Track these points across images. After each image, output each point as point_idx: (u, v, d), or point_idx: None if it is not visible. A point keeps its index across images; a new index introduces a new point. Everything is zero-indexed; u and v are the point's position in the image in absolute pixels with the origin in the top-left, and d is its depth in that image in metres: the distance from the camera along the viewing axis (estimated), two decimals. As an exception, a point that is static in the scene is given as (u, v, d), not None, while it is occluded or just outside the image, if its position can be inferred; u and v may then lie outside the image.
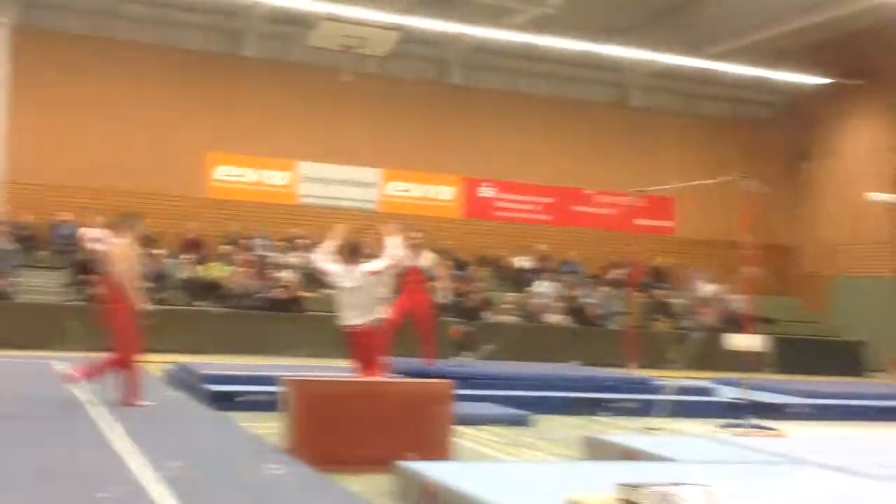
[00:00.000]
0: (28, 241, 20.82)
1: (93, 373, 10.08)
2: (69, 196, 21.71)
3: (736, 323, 22.21)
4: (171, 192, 22.81)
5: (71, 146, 22.13)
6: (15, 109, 21.68)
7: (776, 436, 10.44)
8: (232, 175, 23.59)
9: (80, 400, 9.91)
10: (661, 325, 22.87)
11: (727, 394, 13.72)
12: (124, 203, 22.05)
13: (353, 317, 10.12)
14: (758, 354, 12.89)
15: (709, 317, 22.51)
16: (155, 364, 13.58)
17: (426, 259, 13.90)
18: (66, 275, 20.28)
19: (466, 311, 21.74)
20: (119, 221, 10.42)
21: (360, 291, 10.11)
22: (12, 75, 21.70)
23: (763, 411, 12.40)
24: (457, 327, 20.59)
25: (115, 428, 8.15)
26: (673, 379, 12.62)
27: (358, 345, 10.21)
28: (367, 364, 10.17)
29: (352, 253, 10.23)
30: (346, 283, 10.14)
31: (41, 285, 20.14)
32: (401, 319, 13.47)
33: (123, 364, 9.87)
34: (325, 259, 10.38)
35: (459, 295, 22.33)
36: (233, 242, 22.02)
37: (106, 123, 22.42)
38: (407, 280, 13.59)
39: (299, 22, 22.62)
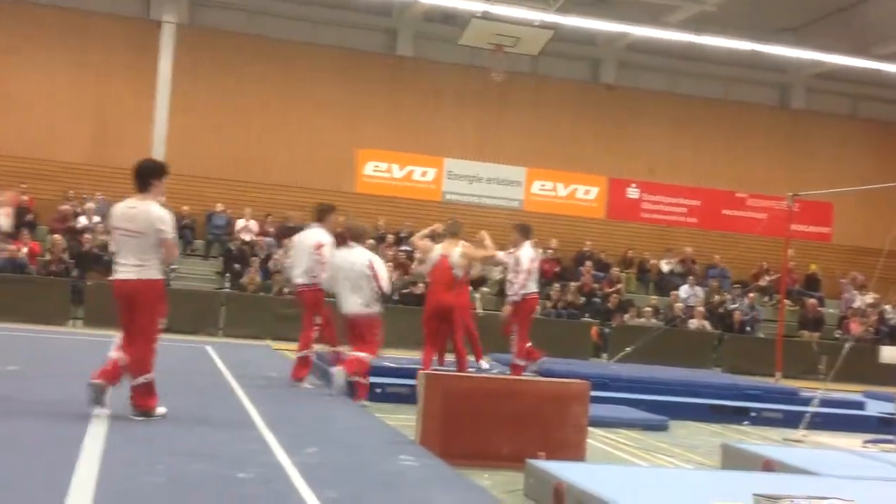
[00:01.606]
0: (184, 231, 21.69)
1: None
2: (223, 188, 22.54)
3: (891, 335, 21.35)
4: (320, 186, 23.38)
5: (226, 140, 22.99)
6: (175, 104, 22.65)
7: (928, 454, 9.95)
8: (380, 171, 24.00)
9: (231, 383, 10.25)
10: (811, 335, 22.11)
11: (877, 408, 13.19)
12: (275, 197, 22.90)
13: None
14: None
15: (862, 328, 21.65)
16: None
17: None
18: (219, 263, 21.08)
19: (606, 312, 21.54)
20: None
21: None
22: (174, 71, 22.66)
23: (915, 428, 11.85)
24: (595, 329, 20.44)
25: (258, 412, 8.42)
26: (820, 390, 12.17)
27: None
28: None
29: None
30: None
31: (195, 273, 21.01)
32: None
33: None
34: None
35: (599, 296, 22.17)
36: (378, 237, 22.40)
37: (259, 119, 23.21)
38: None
39: (452, 21, 22.84)
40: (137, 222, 7.50)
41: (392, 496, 5.83)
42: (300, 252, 10.94)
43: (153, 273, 7.56)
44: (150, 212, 7.53)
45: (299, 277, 10.84)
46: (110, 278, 7.77)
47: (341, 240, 10.71)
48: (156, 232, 7.48)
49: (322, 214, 11.14)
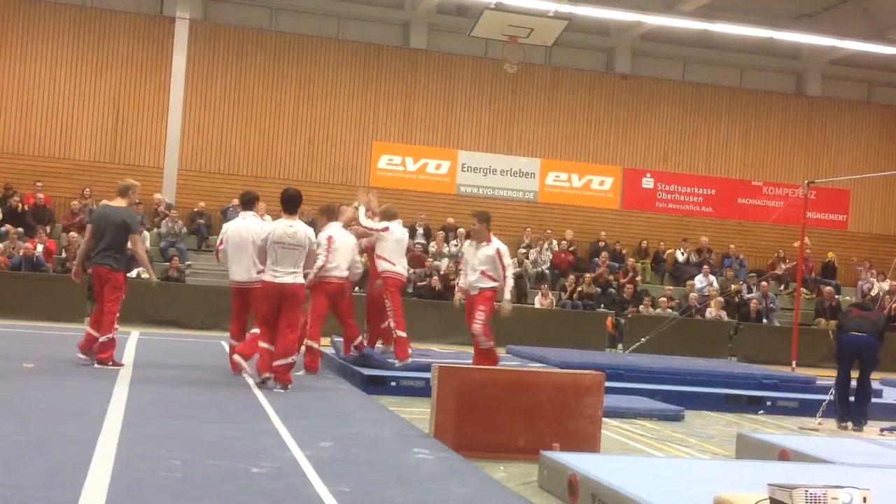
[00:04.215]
0: (199, 227, 21.76)
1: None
2: (238, 183, 22.55)
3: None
4: (334, 180, 23.42)
5: (240, 135, 23.04)
6: (190, 99, 22.72)
7: (946, 442, 9.90)
8: (394, 164, 24.00)
9: (245, 378, 10.27)
10: (828, 323, 22.00)
11: (894, 396, 13.13)
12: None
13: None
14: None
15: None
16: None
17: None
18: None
19: (621, 303, 21.50)
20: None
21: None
22: (189, 67, 22.71)
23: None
24: (611, 319, 20.41)
25: (271, 406, 8.44)
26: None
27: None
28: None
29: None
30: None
31: (211, 269, 21.04)
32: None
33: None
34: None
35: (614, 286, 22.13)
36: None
37: (273, 113, 23.23)
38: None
39: (466, 13, 22.79)
40: (297, 238, 9.57)
41: (406, 489, 5.82)
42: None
43: (301, 278, 9.72)
44: (306, 229, 9.73)
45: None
46: (265, 280, 9.63)
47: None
48: (309, 244, 9.69)
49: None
